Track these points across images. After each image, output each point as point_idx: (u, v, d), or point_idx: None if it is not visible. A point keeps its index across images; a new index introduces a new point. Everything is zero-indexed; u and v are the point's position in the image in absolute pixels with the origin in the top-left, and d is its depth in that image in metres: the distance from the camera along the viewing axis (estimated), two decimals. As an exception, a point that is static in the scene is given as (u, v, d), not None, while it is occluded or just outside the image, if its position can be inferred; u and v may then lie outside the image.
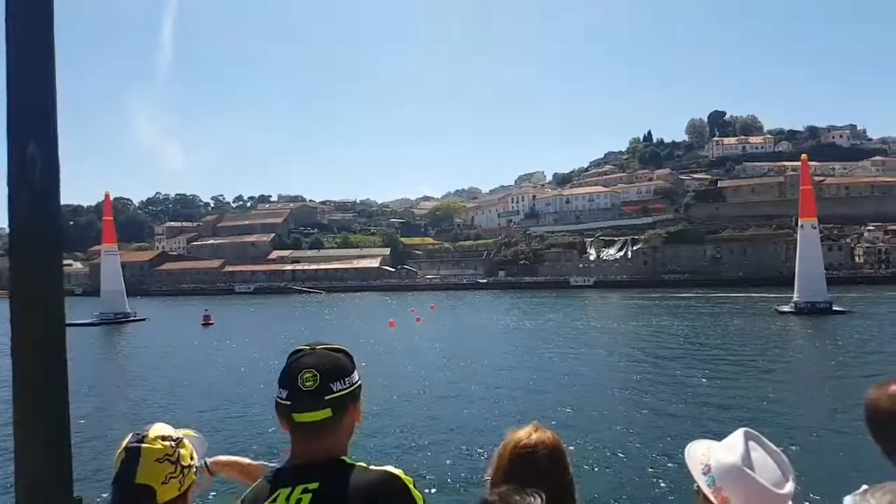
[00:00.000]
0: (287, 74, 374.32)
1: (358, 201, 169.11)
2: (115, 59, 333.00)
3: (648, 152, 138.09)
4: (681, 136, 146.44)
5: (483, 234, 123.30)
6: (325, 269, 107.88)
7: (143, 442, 1.42)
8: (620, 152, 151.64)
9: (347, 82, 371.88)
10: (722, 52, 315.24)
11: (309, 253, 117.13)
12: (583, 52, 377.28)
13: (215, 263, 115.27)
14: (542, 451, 1.53)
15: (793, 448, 10.62)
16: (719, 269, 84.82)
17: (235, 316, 54.59)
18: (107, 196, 54.56)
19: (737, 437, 1.42)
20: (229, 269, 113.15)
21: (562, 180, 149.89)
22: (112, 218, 53.01)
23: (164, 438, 1.45)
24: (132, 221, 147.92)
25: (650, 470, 10.67)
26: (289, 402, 1.39)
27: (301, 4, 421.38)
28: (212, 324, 43.83)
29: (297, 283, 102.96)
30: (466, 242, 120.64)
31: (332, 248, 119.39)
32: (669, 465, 10.55)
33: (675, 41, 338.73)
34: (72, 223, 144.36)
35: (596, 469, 10.73)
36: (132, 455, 1.41)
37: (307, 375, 1.39)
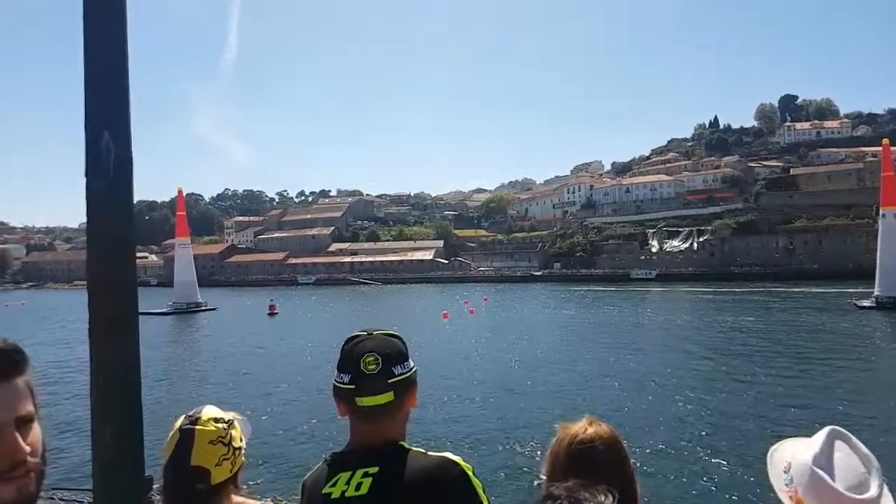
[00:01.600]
0: (343, 71, 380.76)
1: (412, 194, 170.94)
2: (182, 58, 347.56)
3: (715, 139, 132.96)
4: (749, 122, 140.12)
5: (537, 226, 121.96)
6: (381, 261, 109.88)
7: (196, 424, 1.46)
8: (685, 139, 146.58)
9: (401, 75, 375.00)
10: (792, 31, 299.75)
11: (366, 245, 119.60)
12: (643, 35, 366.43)
13: (279, 256, 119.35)
14: (601, 445, 1.51)
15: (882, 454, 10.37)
16: (792, 262, 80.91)
17: (298, 306, 56.63)
18: (180, 192, 57.58)
19: (820, 435, 1.34)
20: (292, 261, 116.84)
21: (621, 169, 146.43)
22: (185, 213, 56.05)
23: (216, 421, 1.49)
24: (203, 216, 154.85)
25: (719, 472, 10.48)
26: (352, 387, 1.41)
27: (355, 3, 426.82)
28: (277, 313, 45.79)
29: (355, 274, 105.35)
30: (520, 234, 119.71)
31: (388, 240, 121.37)
32: (743, 467, 10.30)
33: (741, 21, 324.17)
34: (147, 218, 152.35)
35: (657, 469, 10.56)
36: (186, 437, 1.44)
37: (369, 359, 1.41)
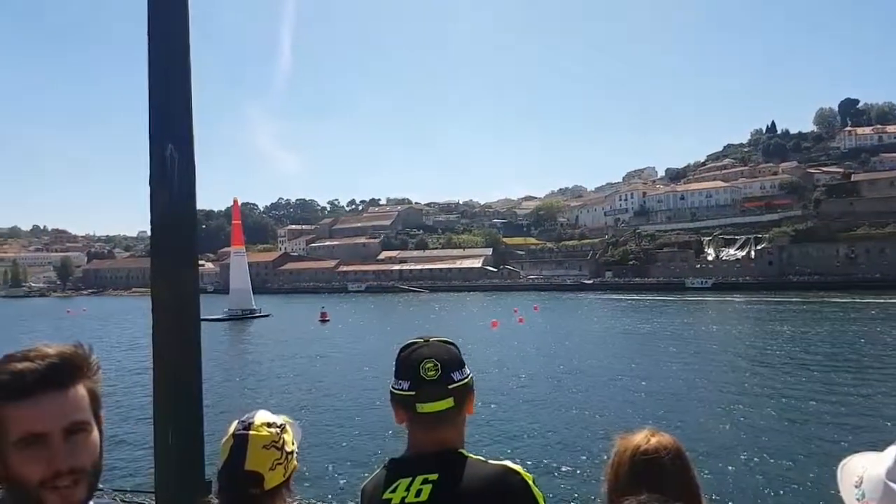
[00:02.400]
0: (392, 81, 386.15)
1: (461, 202, 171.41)
2: (237, 71, 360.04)
3: (773, 144, 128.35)
4: (808, 127, 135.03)
5: (588, 234, 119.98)
6: (430, 269, 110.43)
7: (249, 429, 1.46)
8: (741, 145, 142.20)
9: (449, 84, 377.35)
10: (853, 33, 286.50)
11: (415, 253, 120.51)
12: (697, 38, 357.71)
13: (331, 263, 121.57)
14: (666, 455, 1.48)
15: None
16: (854, 271, 77.15)
17: (349, 313, 57.44)
18: (235, 202, 59.56)
19: (892, 449, 1.24)
20: (343, 268, 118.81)
21: (675, 176, 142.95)
22: (240, 222, 57.80)
23: (269, 425, 1.49)
24: (258, 225, 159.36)
25: (782, 487, 10.10)
26: (412, 393, 1.40)
27: (399, 14, 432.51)
28: (328, 320, 46.56)
29: (404, 282, 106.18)
30: (570, 242, 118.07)
31: (437, 248, 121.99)
32: (806, 483, 9.95)
33: (800, 23, 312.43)
34: (204, 226, 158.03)
35: (718, 484, 10.23)
36: (240, 442, 1.44)
37: (429, 365, 1.40)
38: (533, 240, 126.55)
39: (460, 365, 1.45)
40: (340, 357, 27.24)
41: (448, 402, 1.39)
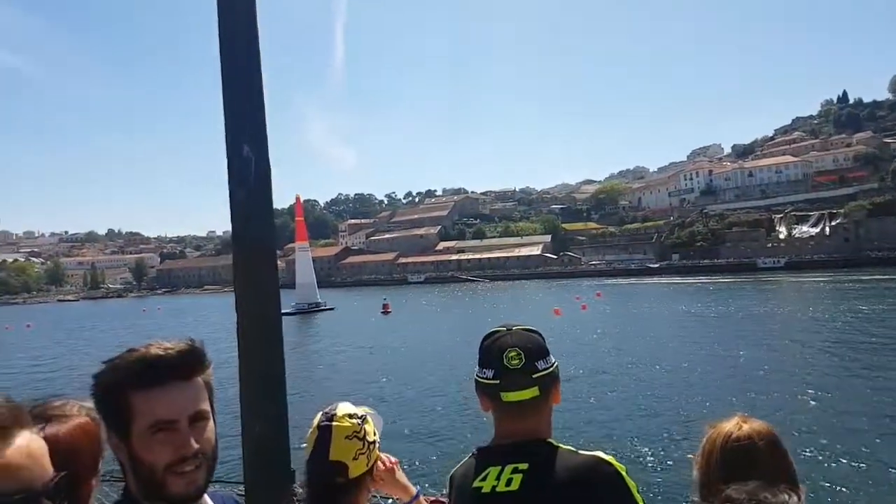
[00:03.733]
0: (443, 71, 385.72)
1: (517, 189, 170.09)
2: (293, 69, 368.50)
3: (845, 115, 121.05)
4: (883, 95, 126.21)
5: (652, 216, 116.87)
6: (488, 258, 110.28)
7: (332, 420, 1.50)
8: (811, 116, 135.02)
9: (501, 69, 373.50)
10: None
11: (472, 243, 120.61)
12: (763, 8, 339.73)
13: (390, 256, 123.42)
14: (760, 442, 1.46)
15: None
16: (937, 244, 71.99)
17: (410, 304, 58.17)
18: (297, 199, 61.13)
19: None
20: (402, 260, 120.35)
21: (742, 152, 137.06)
22: (303, 218, 59.37)
23: (350, 416, 1.52)
24: (319, 220, 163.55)
25: (870, 475, 9.61)
26: (497, 381, 1.39)
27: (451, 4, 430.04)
28: (390, 312, 47.29)
29: (463, 272, 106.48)
30: (633, 225, 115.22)
31: (494, 236, 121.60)
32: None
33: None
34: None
35: (813, 468, 9.75)
36: (324, 433, 1.49)
37: (512, 354, 1.39)
38: (594, 224, 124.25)
39: (545, 353, 1.43)
40: (410, 347, 27.60)
41: (533, 391, 1.38)
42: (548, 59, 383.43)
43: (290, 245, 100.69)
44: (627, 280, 79.38)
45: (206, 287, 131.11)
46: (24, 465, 0.86)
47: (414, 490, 1.65)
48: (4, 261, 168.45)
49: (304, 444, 1.52)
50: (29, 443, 0.87)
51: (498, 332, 1.47)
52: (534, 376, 1.39)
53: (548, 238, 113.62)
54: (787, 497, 1.19)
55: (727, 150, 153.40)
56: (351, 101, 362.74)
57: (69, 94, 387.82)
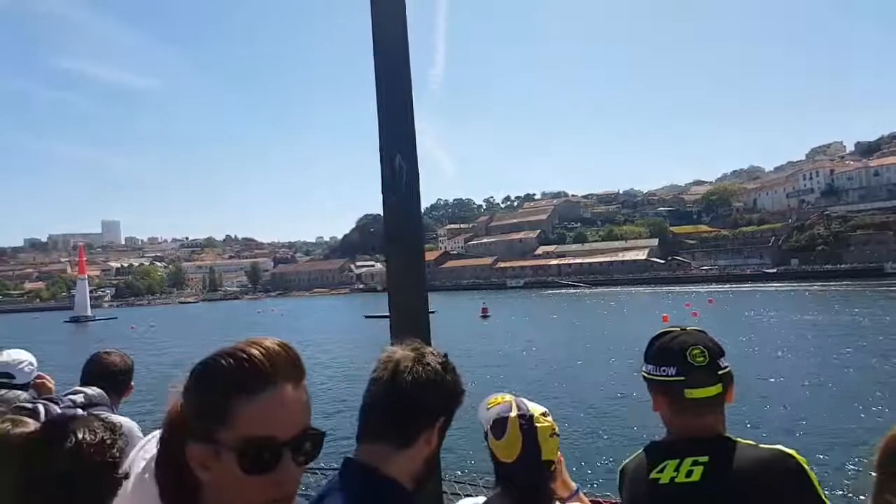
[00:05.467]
0: (539, 72, 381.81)
1: (621, 192, 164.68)
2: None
3: None
4: None
5: (768, 218, 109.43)
6: (590, 263, 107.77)
7: (533, 421, 1.51)
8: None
9: (605, 64, 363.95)
10: None
11: (573, 247, 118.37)
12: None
13: (488, 260, 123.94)
14: None
15: None
16: None
17: (509, 308, 58.05)
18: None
19: None
20: (501, 265, 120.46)
21: (867, 150, 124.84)
22: (406, 224, 61.20)
23: (543, 415, 1.55)
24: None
25: None
26: (681, 379, 1.41)
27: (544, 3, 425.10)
28: (489, 315, 47.48)
29: (563, 277, 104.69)
30: (748, 228, 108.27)
31: (596, 241, 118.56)
32: None
33: None
34: (372, 231, 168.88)
35: None
36: (530, 434, 1.49)
37: (696, 352, 1.42)
38: (705, 227, 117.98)
39: (723, 352, 1.47)
40: (510, 350, 27.56)
41: (717, 388, 1.41)
42: (653, 53, 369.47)
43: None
44: (742, 286, 74.64)
45: (315, 290, 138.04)
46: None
47: (574, 486, 1.67)
48: (131, 265, 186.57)
49: (494, 445, 1.51)
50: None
51: (672, 331, 1.51)
52: (718, 373, 1.42)
53: (654, 242, 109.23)
54: None
55: (850, 147, 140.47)
56: (450, 106, 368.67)
57: (189, 110, 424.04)
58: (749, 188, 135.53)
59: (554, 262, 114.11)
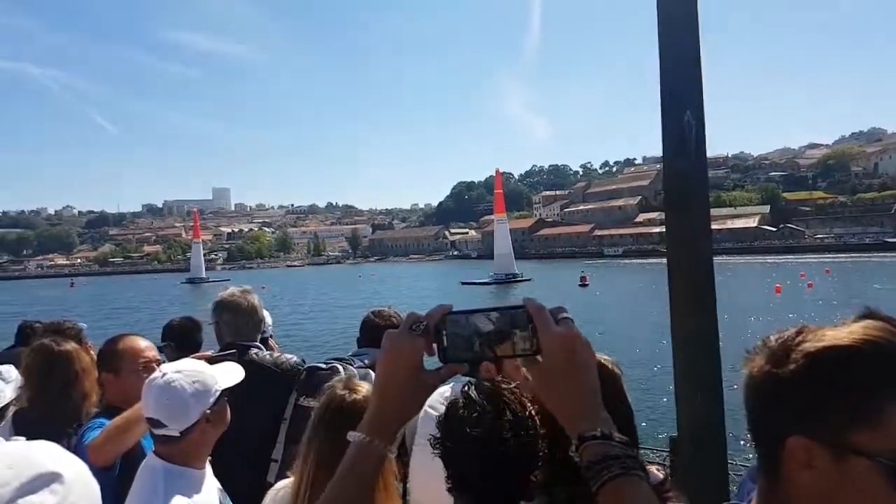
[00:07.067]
0: (641, 30, 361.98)
1: (730, 156, 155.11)
2: (489, 43, 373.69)
3: None
4: None
5: (891, 184, 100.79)
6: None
7: None
8: None
9: (712, 18, 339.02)
10: None
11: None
12: None
13: (585, 228, 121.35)
14: None
15: None
16: None
17: (608, 277, 57.01)
18: (497, 172, 63.05)
19: None
20: (598, 233, 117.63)
21: None
22: (501, 191, 61.24)
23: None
24: (513, 193, 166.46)
25: None
26: None
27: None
28: (587, 284, 46.98)
29: (664, 245, 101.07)
30: (868, 194, 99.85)
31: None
32: None
33: None
34: (465, 197, 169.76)
35: None
36: None
37: None
38: (821, 194, 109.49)
39: None
40: (619, 319, 27.36)
41: None
42: (766, 7, 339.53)
43: (486, 217, 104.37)
44: (861, 256, 69.02)
45: (411, 255, 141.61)
46: None
47: None
48: (241, 230, 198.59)
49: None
50: None
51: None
52: None
53: (766, 209, 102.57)
54: None
55: None
56: (545, 71, 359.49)
57: (295, 85, 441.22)
58: (870, 151, 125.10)
59: (656, 230, 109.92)
